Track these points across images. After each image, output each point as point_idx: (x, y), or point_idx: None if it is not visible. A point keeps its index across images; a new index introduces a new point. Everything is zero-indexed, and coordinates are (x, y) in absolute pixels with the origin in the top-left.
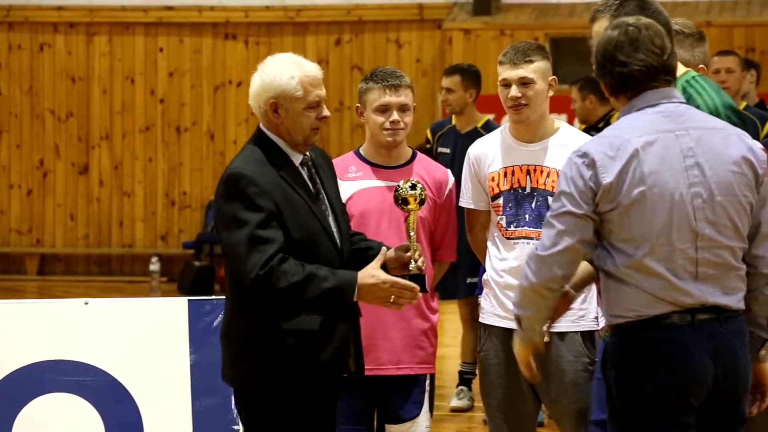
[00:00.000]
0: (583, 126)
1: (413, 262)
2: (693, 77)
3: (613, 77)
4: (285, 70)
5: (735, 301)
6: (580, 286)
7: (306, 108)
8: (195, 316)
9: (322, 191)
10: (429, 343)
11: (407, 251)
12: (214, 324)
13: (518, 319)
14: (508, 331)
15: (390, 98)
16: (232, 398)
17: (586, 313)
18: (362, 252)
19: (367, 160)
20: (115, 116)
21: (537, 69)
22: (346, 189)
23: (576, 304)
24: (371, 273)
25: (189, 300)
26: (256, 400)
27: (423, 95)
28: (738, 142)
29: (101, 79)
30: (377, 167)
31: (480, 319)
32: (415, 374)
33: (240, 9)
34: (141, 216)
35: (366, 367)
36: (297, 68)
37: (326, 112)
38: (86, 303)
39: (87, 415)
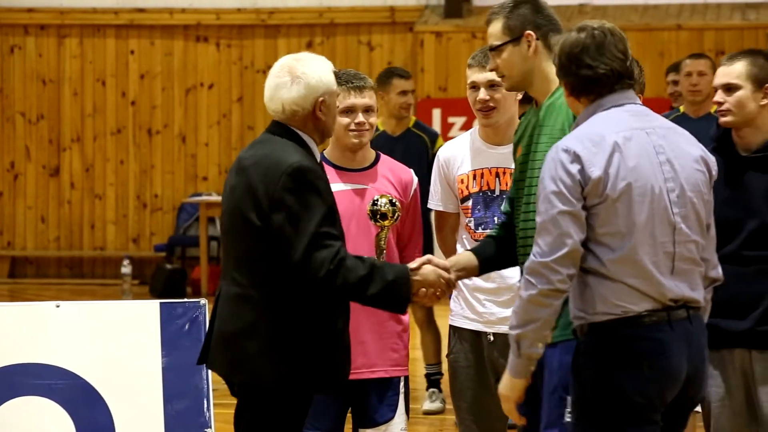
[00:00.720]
0: None
1: None
2: None
3: (578, 79)
4: (324, 68)
5: (700, 296)
6: (462, 276)
7: (336, 102)
8: (167, 318)
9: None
10: (402, 345)
11: None
12: (186, 327)
13: (517, 342)
14: (478, 334)
15: (355, 100)
16: (204, 401)
17: None
18: None
19: (332, 163)
20: (86, 118)
21: None
22: None
23: None
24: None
25: (161, 303)
26: (271, 398)
27: None
28: (693, 141)
29: (72, 81)
30: (343, 170)
31: (449, 322)
32: (390, 377)
33: (211, 11)
34: (112, 218)
35: None
36: (327, 64)
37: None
38: (57, 306)
39: (58, 418)
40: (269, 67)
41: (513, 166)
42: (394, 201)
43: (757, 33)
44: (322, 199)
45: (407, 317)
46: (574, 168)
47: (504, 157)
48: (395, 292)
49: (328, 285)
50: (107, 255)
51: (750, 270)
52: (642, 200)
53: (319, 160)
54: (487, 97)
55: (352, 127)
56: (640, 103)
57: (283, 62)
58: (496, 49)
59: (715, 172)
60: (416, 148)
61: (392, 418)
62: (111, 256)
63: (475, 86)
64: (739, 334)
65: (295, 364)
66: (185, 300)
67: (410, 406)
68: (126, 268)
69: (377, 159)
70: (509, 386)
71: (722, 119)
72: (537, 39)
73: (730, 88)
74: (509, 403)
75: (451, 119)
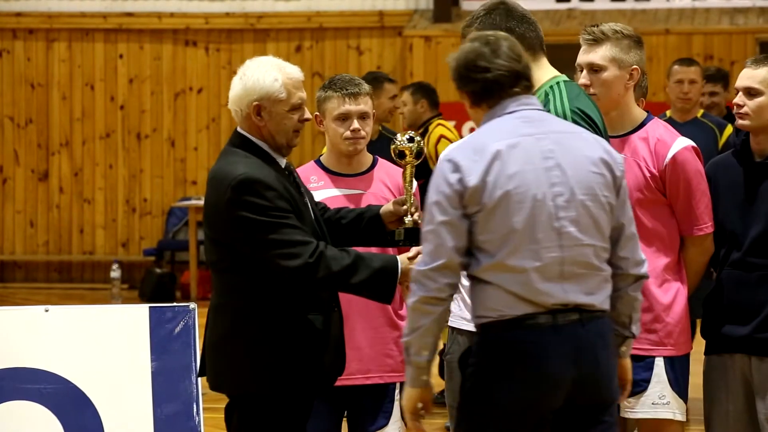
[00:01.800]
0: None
1: (409, 216)
2: (557, 82)
3: (476, 84)
4: (268, 73)
5: (598, 301)
6: None
7: (289, 110)
8: (156, 323)
9: (305, 194)
10: (398, 351)
11: (404, 204)
12: (176, 331)
13: (407, 349)
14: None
15: (350, 107)
16: (194, 405)
17: None
18: (359, 219)
19: (328, 169)
20: (74, 123)
21: None
22: None
23: None
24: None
25: (150, 307)
26: (258, 406)
27: None
28: (595, 144)
29: (61, 85)
30: (339, 176)
31: (449, 323)
32: (385, 383)
33: (200, 16)
34: (101, 223)
35: None
36: (279, 71)
37: (308, 115)
38: (46, 310)
39: (47, 423)
40: None
41: None
42: (413, 137)
43: (746, 38)
44: (276, 207)
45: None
46: (454, 177)
47: None
48: (382, 280)
49: (309, 278)
50: (96, 259)
51: (753, 276)
52: (520, 207)
53: (283, 165)
54: None
55: (347, 134)
56: (539, 107)
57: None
58: None
59: (620, 173)
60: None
61: (386, 425)
62: (100, 261)
63: None
64: (739, 339)
65: (276, 371)
66: (175, 304)
67: None
68: (115, 273)
69: (374, 163)
70: (405, 396)
71: (739, 122)
72: None
73: (752, 93)
74: (406, 414)
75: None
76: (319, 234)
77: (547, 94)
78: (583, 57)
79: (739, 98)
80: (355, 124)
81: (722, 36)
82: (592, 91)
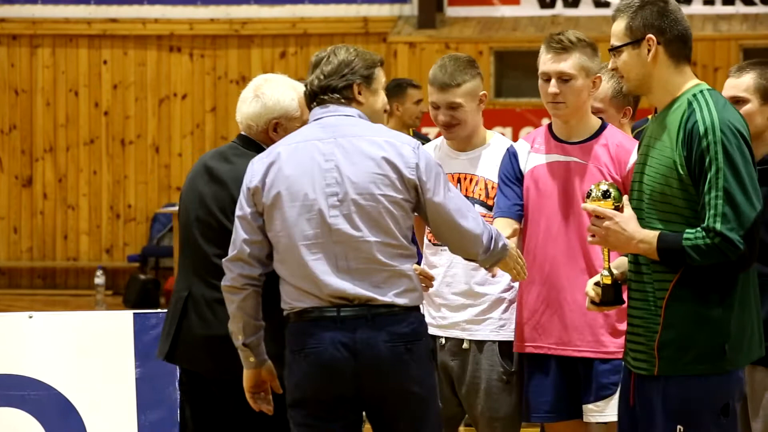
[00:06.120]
0: None
1: (604, 271)
2: (701, 91)
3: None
4: (286, 93)
5: (385, 294)
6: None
7: (301, 125)
8: (140, 329)
9: None
10: None
11: None
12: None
13: (231, 335)
14: (433, 338)
15: None
16: (178, 411)
17: (506, 323)
18: None
19: None
20: (58, 129)
21: (466, 92)
22: None
23: (497, 314)
24: None
25: (134, 313)
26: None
27: None
28: (385, 147)
29: (45, 91)
30: None
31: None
32: None
33: (185, 21)
34: (85, 229)
35: None
36: (294, 90)
37: None
38: (30, 317)
39: (31, 429)
40: (243, 77)
41: (475, 172)
42: (608, 190)
43: (729, 44)
44: None
45: None
46: (248, 178)
47: (467, 163)
48: None
49: None
50: (80, 265)
51: None
52: (293, 205)
53: None
54: (448, 118)
55: None
56: (346, 113)
57: (255, 79)
58: (615, 50)
59: (412, 174)
60: None
61: None
62: (84, 267)
63: (435, 105)
64: None
65: (278, 360)
66: (159, 310)
67: None
68: (99, 279)
69: None
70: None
71: None
72: (658, 44)
73: (737, 102)
74: (246, 394)
75: (425, 129)
76: None
77: (690, 103)
78: (552, 66)
79: None
80: None
81: (706, 42)
82: (560, 99)
